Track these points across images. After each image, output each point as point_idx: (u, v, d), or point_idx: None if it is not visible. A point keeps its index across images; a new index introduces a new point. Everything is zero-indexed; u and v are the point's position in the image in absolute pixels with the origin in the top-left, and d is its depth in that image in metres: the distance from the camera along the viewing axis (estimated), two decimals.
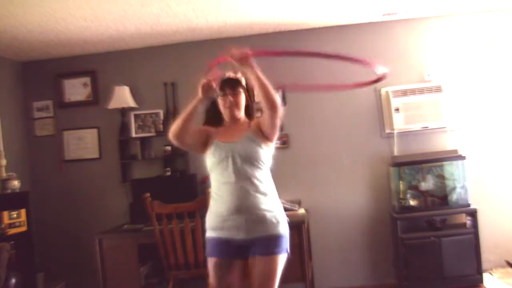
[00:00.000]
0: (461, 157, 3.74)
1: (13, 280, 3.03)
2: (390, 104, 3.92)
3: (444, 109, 3.87)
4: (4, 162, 3.72)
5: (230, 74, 2.25)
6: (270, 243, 2.06)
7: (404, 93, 3.91)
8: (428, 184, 3.82)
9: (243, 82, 2.24)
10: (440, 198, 3.78)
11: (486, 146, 3.96)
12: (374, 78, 2.38)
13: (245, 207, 2.03)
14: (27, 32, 3.55)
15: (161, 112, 4.17)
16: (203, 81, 2.10)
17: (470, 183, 3.75)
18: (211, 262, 2.14)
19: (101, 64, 4.28)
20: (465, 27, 4.02)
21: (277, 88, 2.03)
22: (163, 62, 4.24)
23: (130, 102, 4.06)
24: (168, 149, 4.07)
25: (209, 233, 2.15)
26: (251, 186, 2.05)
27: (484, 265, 3.64)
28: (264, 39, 4.14)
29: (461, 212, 3.77)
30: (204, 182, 3.79)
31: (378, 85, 4.02)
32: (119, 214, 4.05)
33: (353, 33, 4.09)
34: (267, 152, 2.13)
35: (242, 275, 2.16)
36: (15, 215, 3.41)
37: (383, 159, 3.99)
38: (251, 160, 2.07)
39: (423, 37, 4.05)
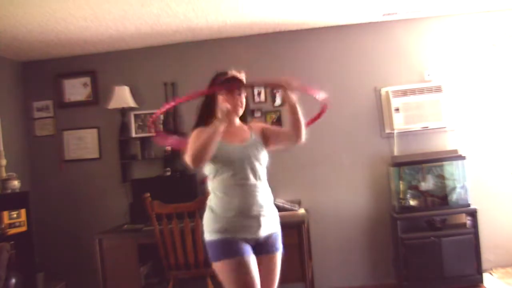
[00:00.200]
0: (461, 157, 3.74)
1: (13, 280, 3.03)
2: (390, 104, 3.92)
3: (444, 109, 3.87)
4: (4, 162, 3.72)
5: (234, 72, 2.20)
6: (276, 240, 2.15)
7: (404, 93, 3.91)
8: (428, 184, 3.82)
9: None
10: (440, 198, 3.78)
11: (486, 146, 3.96)
12: (317, 112, 2.36)
13: (259, 206, 2.07)
14: (27, 32, 3.55)
15: None
16: (227, 107, 2.00)
17: (470, 183, 3.75)
18: (232, 263, 1.99)
19: (101, 64, 4.28)
20: (465, 27, 4.02)
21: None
22: (163, 62, 4.24)
23: (130, 102, 4.06)
24: (168, 149, 4.07)
25: (222, 235, 2.02)
26: (261, 186, 2.11)
27: (484, 265, 3.64)
28: (264, 39, 4.14)
29: (461, 212, 3.77)
30: (203, 183, 3.78)
31: (378, 85, 4.05)
32: (119, 214, 4.05)
33: (353, 33, 4.09)
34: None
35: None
36: (15, 215, 3.41)
37: (383, 159, 3.99)
38: (261, 161, 2.13)
39: (423, 37, 4.05)
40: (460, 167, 3.77)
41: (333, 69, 4.11)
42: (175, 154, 4.10)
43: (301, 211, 3.72)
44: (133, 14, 3.39)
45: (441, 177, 3.82)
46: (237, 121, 2.22)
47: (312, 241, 3.93)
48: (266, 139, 2.19)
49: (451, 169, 3.81)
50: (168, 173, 4.02)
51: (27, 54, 4.13)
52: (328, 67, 4.11)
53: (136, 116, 4.18)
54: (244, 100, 2.20)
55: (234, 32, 4.05)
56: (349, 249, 4.02)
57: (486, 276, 3.66)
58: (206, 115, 2.17)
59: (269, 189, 2.16)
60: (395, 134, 3.97)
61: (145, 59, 4.25)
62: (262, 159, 2.14)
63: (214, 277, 3.18)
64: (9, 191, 3.58)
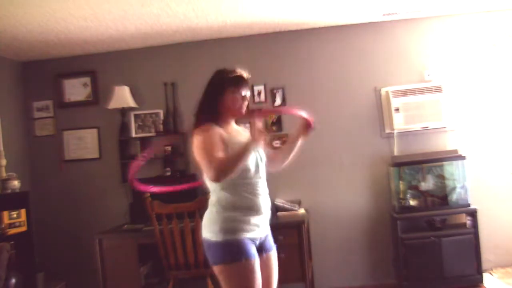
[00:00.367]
0: (461, 157, 3.74)
1: (13, 280, 3.03)
2: (390, 104, 3.92)
3: (444, 109, 3.87)
4: (4, 162, 3.72)
5: (241, 71, 2.12)
6: (270, 237, 2.18)
7: (404, 93, 3.91)
8: (428, 184, 3.82)
9: None
10: (440, 198, 3.78)
11: (486, 146, 3.96)
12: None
13: (267, 204, 2.09)
14: (27, 32, 3.55)
15: (161, 112, 4.17)
16: (260, 128, 1.90)
17: (470, 183, 3.75)
18: (251, 264, 1.93)
19: (101, 64, 4.28)
20: (465, 27, 4.02)
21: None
22: (163, 62, 4.24)
23: (130, 102, 4.06)
24: (168, 149, 4.07)
25: (235, 236, 1.94)
26: (265, 184, 2.12)
27: (484, 265, 3.64)
28: (264, 39, 4.14)
29: (461, 212, 3.77)
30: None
31: (378, 85, 4.05)
32: (119, 214, 4.05)
33: (353, 33, 4.09)
34: None
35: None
36: (15, 215, 3.41)
37: (383, 159, 3.99)
38: (263, 160, 2.15)
39: (423, 37, 4.05)
40: (460, 167, 3.77)
41: (333, 69, 4.11)
42: (175, 154, 4.11)
43: (301, 211, 3.72)
44: (133, 14, 3.39)
45: (441, 177, 3.82)
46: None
47: (312, 241, 3.93)
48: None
49: (451, 169, 3.81)
50: (168, 173, 4.03)
51: (27, 54, 4.13)
52: (328, 67, 4.11)
53: (136, 116, 4.19)
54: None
55: (234, 32, 4.06)
56: (349, 249, 4.02)
57: (486, 276, 3.66)
58: (211, 112, 2.05)
59: None
60: (395, 134, 3.97)
61: (145, 59, 4.25)
62: (264, 158, 2.15)
63: (214, 277, 3.20)
64: (9, 191, 3.58)
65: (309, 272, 3.43)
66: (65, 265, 4.12)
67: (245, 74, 2.13)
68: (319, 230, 3.99)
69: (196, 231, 3.10)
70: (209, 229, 1.99)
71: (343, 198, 4.03)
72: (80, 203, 4.21)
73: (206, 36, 4.08)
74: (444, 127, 3.93)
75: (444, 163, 3.81)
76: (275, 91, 4.11)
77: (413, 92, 3.90)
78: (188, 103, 4.16)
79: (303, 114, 2.06)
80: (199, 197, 3.10)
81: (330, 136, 4.05)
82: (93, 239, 3.50)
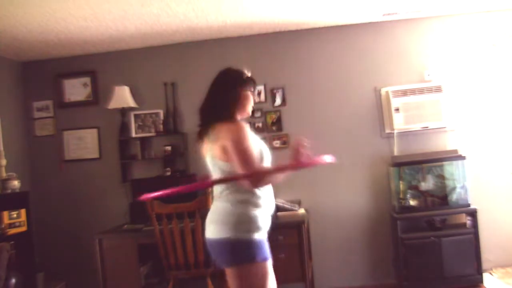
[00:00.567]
0: (461, 157, 3.74)
1: (13, 280, 3.03)
2: (390, 104, 3.92)
3: (444, 109, 3.87)
4: (4, 162, 3.71)
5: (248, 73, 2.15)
6: None
7: (404, 93, 3.91)
8: (428, 184, 3.82)
9: None
10: (440, 198, 3.78)
11: (486, 146, 3.96)
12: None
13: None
14: (27, 32, 3.55)
15: (161, 112, 4.17)
16: (300, 150, 1.95)
17: (470, 183, 3.75)
18: (267, 266, 1.92)
19: (101, 64, 4.28)
20: (465, 27, 4.02)
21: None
22: (163, 62, 4.24)
23: (130, 102, 4.06)
24: (168, 149, 4.08)
25: (260, 235, 1.93)
26: None
27: (484, 265, 3.63)
28: (264, 39, 4.14)
29: (461, 212, 3.77)
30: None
31: (378, 85, 4.06)
32: (119, 214, 4.05)
33: (353, 33, 4.09)
34: None
35: None
36: (15, 215, 3.41)
37: (383, 159, 3.99)
38: None
39: (423, 37, 4.05)
40: (460, 167, 3.77)
41: (333, 69, 4.11)
42: (175, 154, 4.11)
43: (301, 211, 3.72)
44: (133, 14, 3.39)
45: (441, 177, 3.82)
46: None
47: (312, 241, 3.93)
48: None
49: (451, 169, 3.81)
50: (168, 173, 4.02)
51: (27, 54, 4.13)
52: (328, 67, 4.11)
53: (136, 116, 4.18)
54: None
55: (234, 32, 4.06)
56: (349, 249, 4.02)
57: (486, 276, 3.66)
58: (236, 108, 2.05)
59: None
60: (395, 134, 3.97)
61: (145, 59, 4.25)
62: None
63: (214, 277, 3.20)
64: (9, 191, 3.58)
65: (309, 272, 3.43)
66: (65, 265, 4.12)
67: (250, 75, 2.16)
68: (319, 230, 3.99)
69: (196, 231, 3.11)
70: (232, 227, 1.89)
71: (343, 198, 4.03)
72: (80, 203, 4.21)
73: (206, 36, 4.08)
74: (444, 127, 3.93)
75: (444, 163, 3.81)
76: (275, 91, 4.12)
77: (413, 92, 3.90)
78: (188, 103, 4.17)
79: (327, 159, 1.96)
80: (199, 197, 3.11)
81: (330, 136, 4.05)
82: (93, 239, 3.50)
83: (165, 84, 4.18)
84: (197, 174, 3.95)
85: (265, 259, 1.91)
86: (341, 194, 4.04)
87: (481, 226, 3.64)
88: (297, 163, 1.98)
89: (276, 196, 2.11)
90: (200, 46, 4.19)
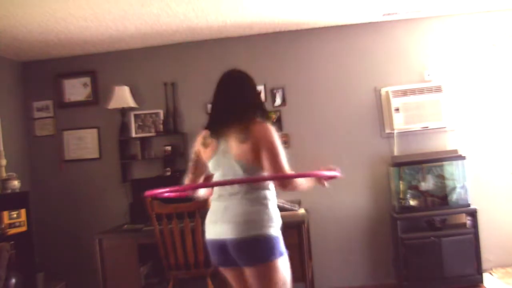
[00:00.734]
0: (461, 157, 3.74)
1: (13, 280, 3.03)
2: (390, 104, 3.92)
3: (444, 109, 3.87)
4: (4, 162, 3.72)
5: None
6: None
7: (404, 93, 3.91)
8: (428, 184, 3.82)
9: None
10: (440, 198, 3.78)
11: (486, 146, 3.96)
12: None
13: None
14: (27, 32, 3.55)
15: (161, 112, 4.17)
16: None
17: (470, 183, 3.75)
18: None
19: (101, 64, 4.28)
20: (465, 27, 4.02)
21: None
22: (163, 62, 4.24)
23: (130, 102, 4.06)
24: (168, 149, 4.08)
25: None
26: None
27: (484, 265, 3.64)
28: (264, 39, 4.14)
29: (461, 212, 3.77)
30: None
31: (378, 85, 4.06)
32: (119, 214, 4.05)
33: (353, 33, 4.09)
34: None
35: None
36: (15, 215, 3.41)
37: (383, 159, 3.99)
38: None
39: (423, 37, 4.05)
40: (460, 167, 3.77)
41: (333, 69, 4.11)
42: (175, 154, 4.11)
43: (301, 211, 3.71)
44: (133, 14, 3.39)
45: (441, 177, 3.82)
46: None
47: (312, 241, 3.93)
48: None
49: (451, 169, 3.81)
50: (168, 173, 4.02)
51: (27, 54, 4.13)
52: (328, 67, 4.11)
53: (136, 116, 4.19)
54: None
55: (234, 32, 4.06)
56: (349, 249, 4.02)
57: (486, 276, 3.66)
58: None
59: None
60: (395, 134, 3.97)
61: (145, 59, 4.25)
62: None
63: (214, 277, 3.20)
64: (9, 191, 3.58)
65: (309, 272, 3.43)
66: (65, 265, 4.12)
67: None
68: (319, 230, 3.99)
69: (196, 231, 3.11)
70: (268, 224, 1.92)
71: (343, 198, 4.03)
72: (80, 203, 4.21)
73: (206, 36, 4.08)
74: (444, 127, 3.93)
75: (444, 163, 3.81)
76: (275, 91, 4.12)
77: (413, 92, 3.90)
78: (188, 103, 4.17)
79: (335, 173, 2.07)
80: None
81: (330, 136, 4.05)
82: (93, 239, 3.49)
83: (165, 84, 4.18)
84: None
85: (286, 253, 2.00)
86: (341, 194, 4.03)
87: (481, 226, 3.64)
88: (322, 175, 2.09)
89: (276, 196, 2.11)
90: (200, 46, 4.19)
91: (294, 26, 4.04)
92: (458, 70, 4.01)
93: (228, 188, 1.97)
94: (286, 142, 4.06)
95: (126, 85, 4.09)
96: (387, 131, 4.01)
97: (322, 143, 4.05)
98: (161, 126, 4.14)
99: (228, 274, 2.05)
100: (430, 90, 3.89)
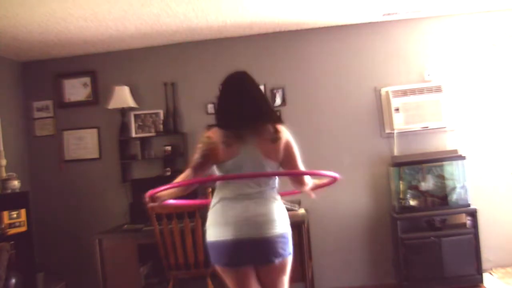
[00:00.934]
0: (461, 157, 3.74)
1: (13, 280, 3.03)
2: (390, 104, 3.92)
3: (444, 109, 3.87)
4: (4, 162, 3.72)
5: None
6: None
7: (404, 93, 3.91)
8: (428, 184, 3.82)
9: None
10: (440, 198, 3.78)
11: (486, 146, 3.96)
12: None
13: None
14: (27, 32, 3.55)
15: (161, 112, 4.17)
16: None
17: (470, 183, 3.75)
18: None
19: (101, 64, 4.28)
20: (465, 27, 4.02)
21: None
22: (163, 62, 4.24)
23: (130, 102, 4.06)
24: (168, 149, 4.08)
25: None
26: None
27: (484, 265, 3.64)
28: (264, 39, 4.14)
29: (461, 212, 3.77)
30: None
31: (378, 85, 4.06)
32: (119, 214, 4.05)
33: (353, 33, 4.09)
34: None
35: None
36: (15, 215, 3.41)
37: (383, 159, 3.99)
38: None
39: (423, 37, 4.05)
40: (460, 167, 3.77)
41: (333, 69, 4.11)
42: (175, 154, 4.10)
43: (301, 211, 3.72)
44: (133, 14, 3.39)
45: (441, 177, 3.82)
46: None
47: (312, 241, 3.93)
48: None
49: (451, 169, 3.81)
50: (168, 173, 4.02)
51: (27, 54, 4.13)
52: (328, 67, 4.11)
53: (136, 116, 4.19)
54: None
55: (234, 32, 4.06)
56: (349, 249, 4.02)
57: (486, 276, 3.66)
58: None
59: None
60: (395, 134, 3.97)
61: (145, 59, 4.25)
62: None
63: (214, 277, 3.20)
64: (9, 191, 3.58)
65: (309, 272, 3.43)
66: (65, 265, 4.12)
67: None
68: (319, 230, 3.99)
69: (196, 231, 3.11)
70: (285, 222, 2.06)
71: (343, 198, 4.03)
72: (80, 203, 4.21)
73: (206, 36, 4.08)
74: (444, 127, 3.93)
75: (444, 163, 3.81)
76: (275, 91, 4.12)
77: (413, 92, 3.90)
78: (188, 103, 4.17)
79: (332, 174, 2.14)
80: (199, 197, 3.10)
81: (330, 136, 4.05)
82: (93, 239, 3.49)
83: (165, 84, 4.18)
84: None
85: None
86: (341, 194, 4.03)
87: (481, 226, 3.64)
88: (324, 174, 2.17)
89: None
90: (200, 46, 4.19)
91: (294, 26, 4.04)
92: (458, 70, 4.01)
93: (246, 188, 1.99)
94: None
95: (126, 85, 4.09)
96: (387, 131, 4.01)
97: (322, 143, 4.05)
98: (161, 126, 4.14)
99: (235, 274, 2.01)
100: (430, 90, 3.89)
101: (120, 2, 3.14)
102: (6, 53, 4.05)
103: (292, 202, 3.75)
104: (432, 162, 3.80)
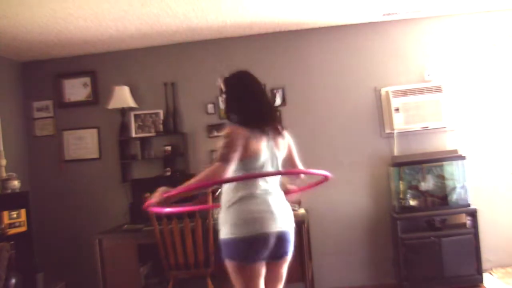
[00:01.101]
0: (461, 157, 3.74)
1: (13, 280, 3.03)
2: (390, 104, 3.92)
3: (444, 109, 3.87)
4: (4, 162, 3.72)
5: None
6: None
7: (404, 93, 3.91)
8: (428, 184, 3.82)
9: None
10: (440, 198, 3.78)
11: (486, 146, 3.96)
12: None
13: None
14: (27, 32, 3.55)
15: (161, 112, 4.17)
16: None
17: (470, 183, 3.75)
18: None
19: (101, 64, 4.28)
20: (465, 27, 4.02)
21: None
22: (163, 62, 4.24)
23: (130, 102, 4.06)
24: (168, 149, 4.08)
25: None
26: None
27: (484, 265, 3.64)
28: (264, 39, 4.14)
29: (461, 212, 3.77)
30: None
31: (378, 85, 4.06)
32: (119, 214, 4.05)
33: (353, 33, 4.09)
34: None
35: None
36: (15, 215, 3.41)
37: (383, 159, 3.99)
38: None
39: (423, 37, 4.05)
40: (460, 167, 3.77)
41: (333, 69, 4.11)
42: (175, 154, 4.10)
43: (301, 211, 3.71)
44: (133, 14, 3.39)
45: (441, 177, 3.82)
46: None
47: (312, 241, 3.93)
48: None
49: (451, 169, 3.81)
50: (168, 173, 4.02)
51: (27, 54, 4.13)
52: (328, 67, 4.11)
53: (136, 116, 4.18)
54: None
55: (234, 32, 4.06)
56: (349, 249, 4.02)
57: (486, 276, 3.66)
58: None
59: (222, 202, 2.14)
60: (395, 134, 3.97)
61: (145, 59, 4.25)
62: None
63: (214, 277, 3.20)
64: (9, 191, 3.58)
65: (309, 272, 3.43)
66: (65, 265, 4.12)
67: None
68: (319, 230, 3.99)
69: (196, 231, 3.11)
70: (292, 221, 2.15)
71: (343, 198, 4.03)
72: (80, 203, 4.21)
73: (206, 36, 4.08)
74: (444, 127, 3.93)
75: (444, 163, 3.81)
76: (275, 91, 4.12)
77: (413, 92, 3.90)
78: (188, 103, 4.17)
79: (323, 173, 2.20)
80: (199, 197, 3.10)
81: (330, 136, 4.05)
82: (93, 239, 3.49)
83: (165, 84, 4.18)
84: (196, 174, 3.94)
85: None
86: (341, 194, 4.03)
87: (481, 226, 3.64)
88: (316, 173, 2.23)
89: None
90: (200, 46, 4.19)
91: (294, 26, 4.04)
92: (458, 70, 4.01)
93: (265, 184, 2.05)
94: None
95: (126, 85, 4.09)
96: (387, 131, 4.01)
97: (322, 143, 4.05)
98: (161, 126, 4.14)
99: (253, 269, 1.97)
100: (430, 90, 3.89)
101: (120, 2, 3.14)
102: (6, 53, 4.05)
103: (292, 202, 3.74)
104: (432, 162, 3.80)
